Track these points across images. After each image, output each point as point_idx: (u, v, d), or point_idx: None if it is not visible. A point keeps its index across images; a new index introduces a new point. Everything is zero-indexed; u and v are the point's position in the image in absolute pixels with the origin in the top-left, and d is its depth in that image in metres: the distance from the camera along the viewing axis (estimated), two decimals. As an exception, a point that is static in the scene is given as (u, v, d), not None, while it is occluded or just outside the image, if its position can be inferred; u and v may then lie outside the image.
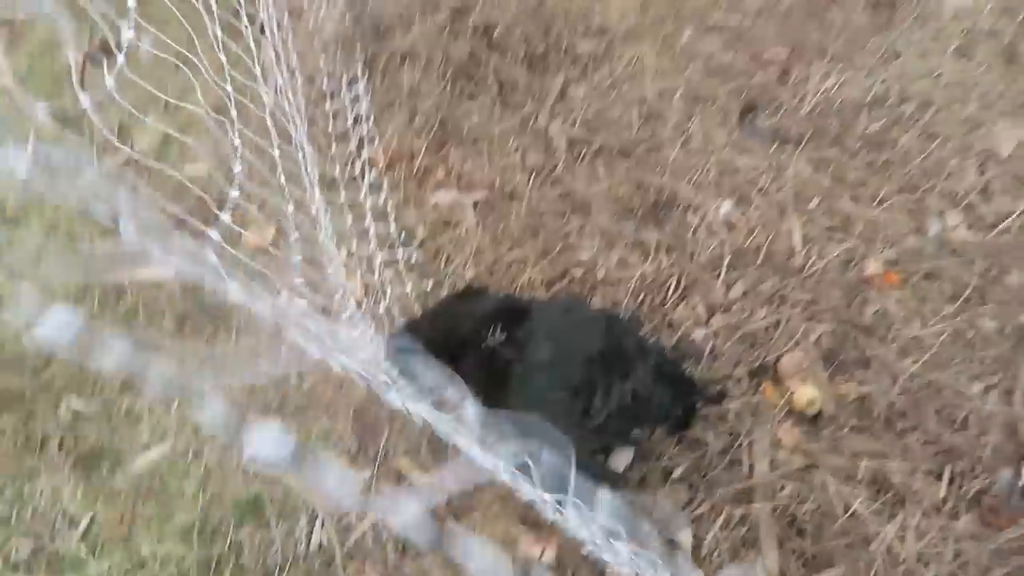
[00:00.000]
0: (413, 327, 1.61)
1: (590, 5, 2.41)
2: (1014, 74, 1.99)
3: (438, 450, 1.59)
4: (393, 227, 1.98)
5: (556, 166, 1.98)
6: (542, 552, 1.42)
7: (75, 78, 2.51)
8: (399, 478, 1.56)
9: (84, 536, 1.49)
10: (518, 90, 2.20)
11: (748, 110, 2.03)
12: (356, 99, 2.26)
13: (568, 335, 1.44)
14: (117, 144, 2.27)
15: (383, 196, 2.06)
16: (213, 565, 1.43)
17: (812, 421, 1.53)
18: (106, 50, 2.61)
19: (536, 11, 2.41)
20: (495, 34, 2.34)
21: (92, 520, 1.52)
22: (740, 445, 1.51)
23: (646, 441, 1.51)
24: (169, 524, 1.50)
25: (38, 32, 2.71)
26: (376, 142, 2.16)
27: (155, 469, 1.61)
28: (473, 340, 1.49)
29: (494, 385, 1.44)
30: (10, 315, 1.92)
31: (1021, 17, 2.12)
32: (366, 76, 2.31)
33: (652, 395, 1.40)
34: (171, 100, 2.42)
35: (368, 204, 2.05)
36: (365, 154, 2.16)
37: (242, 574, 1.42)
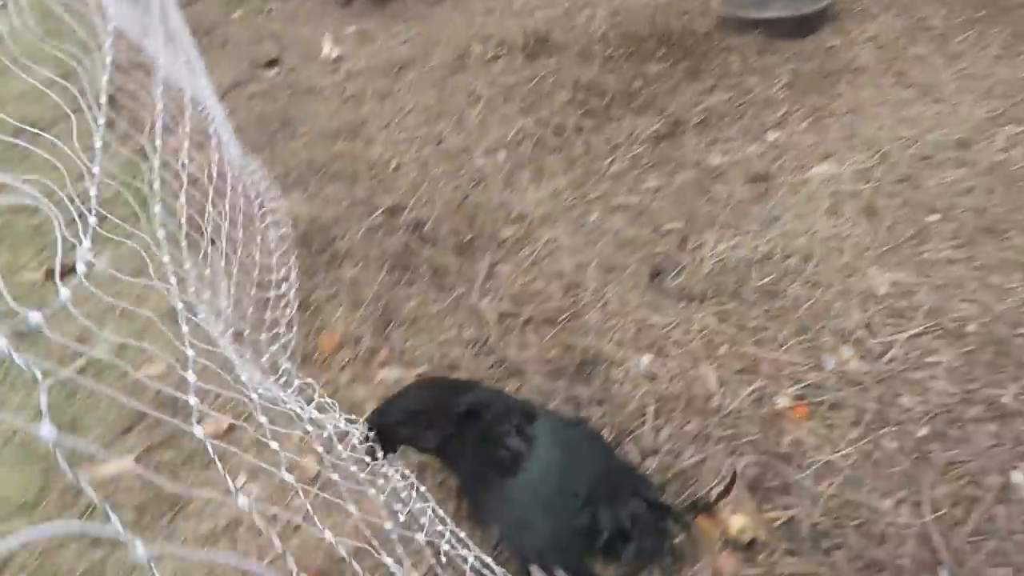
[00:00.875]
0: (384, 411, 1.64)
1: (507, 198, 2.72)
2: (875, 225, 2.31)
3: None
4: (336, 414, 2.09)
5: (489, 338, 2.17)
6: None
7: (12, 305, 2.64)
8: None
9: None
10: (450, 274, 2.43)
11: (656, 274, 2.28)
12: (287, 299, 2.45)
13: (578, 447, 1.52)
14: (77, 349, 2.37)
15: (326, 379, 2.19)
16: None
17: (747, 548, 1.63)
18: (64, 268, 2.79)
19: (460, 206, 2.71)
20: (425, 228, 2.61)
21: None
22: (683, 578, 1.59)
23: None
24: None
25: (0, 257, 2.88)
26: (323, 329, 2.32)
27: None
28: (458, 420, 1.55)
29: (493, 473, 1.49)
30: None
31: (875, 178, 2.48)
32: (300, 272, 2.51)
33: (648, 521, 1.47)
34: (128, 307, 2.60)
35: (317, 387, 2.18)
36: (294, 343, 2.31)
37: None
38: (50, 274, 2.76)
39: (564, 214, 2.59)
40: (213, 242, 2.57)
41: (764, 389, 1.93)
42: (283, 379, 2.05)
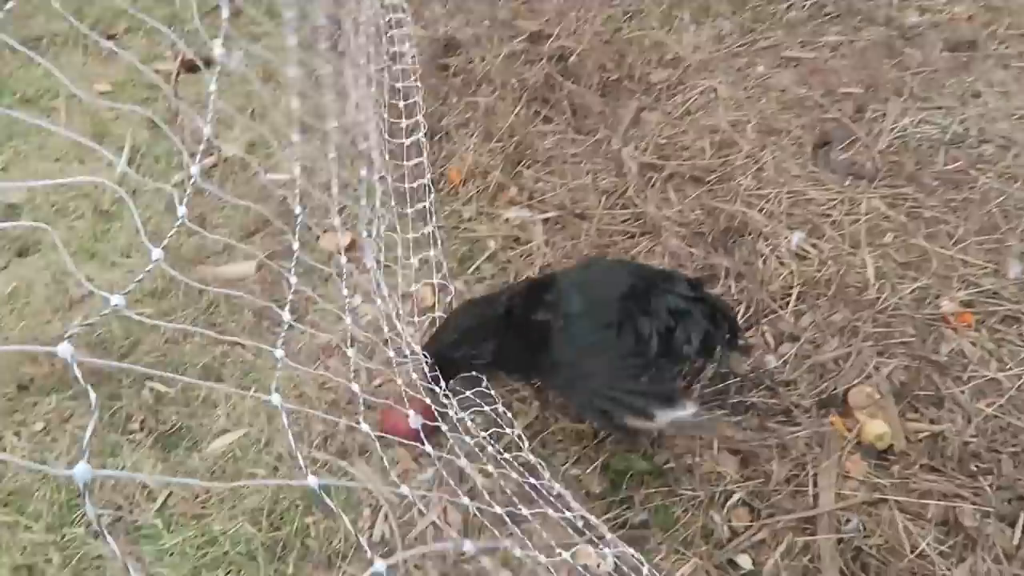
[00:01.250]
0: (439, 338, 1.67)
1: (663, 38, 2.46)
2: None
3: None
4: (437, 250, 2.02)
5: (627, 189, 2.01)
6: (599, 564, 1.42)
7: (170, 86, 2.64)
8: (461, 476, 1.58)
9: (160, 510, 1.53)
10: (592, 115, 2.24)
11: (822, 144, 2.03)
12: (416, 120, 2.33)
13: (596, 283, 1.49)
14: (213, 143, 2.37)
15: (454, 209, 2.11)
16: (280, 548, 1.46)
17: (881, 456, 1.50)
18: (198, 64, 2.74)
19: (610, 41, 2.46)
20: (570, 61, 2.40)
21: (168, 496, 1.57)
22: (806, 474, 1.50)
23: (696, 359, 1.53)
24: (240, 505, 1.53)
25: (136, 45, 2.86)
26: (452, 158, 2.22)
27: (229, 453, 1.66)
28: (503, 322, 1.55)
29: (537, 353, 1.48)
30: (100, 301, 2.00)
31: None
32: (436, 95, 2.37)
33: (691, 309, 1.42)
34: (257, 109, 2.53)
35: (437, 217, 2.10)
36: (427, 169, 2.22)
37: (307, 558, 1.44)
38: (185, 64, 2.72)
39: (726, 62, 2.32)
40: (341, 53, 2.45)
41: (929, 289, 1.73)
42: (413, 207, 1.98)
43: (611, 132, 2.17)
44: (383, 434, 1.57)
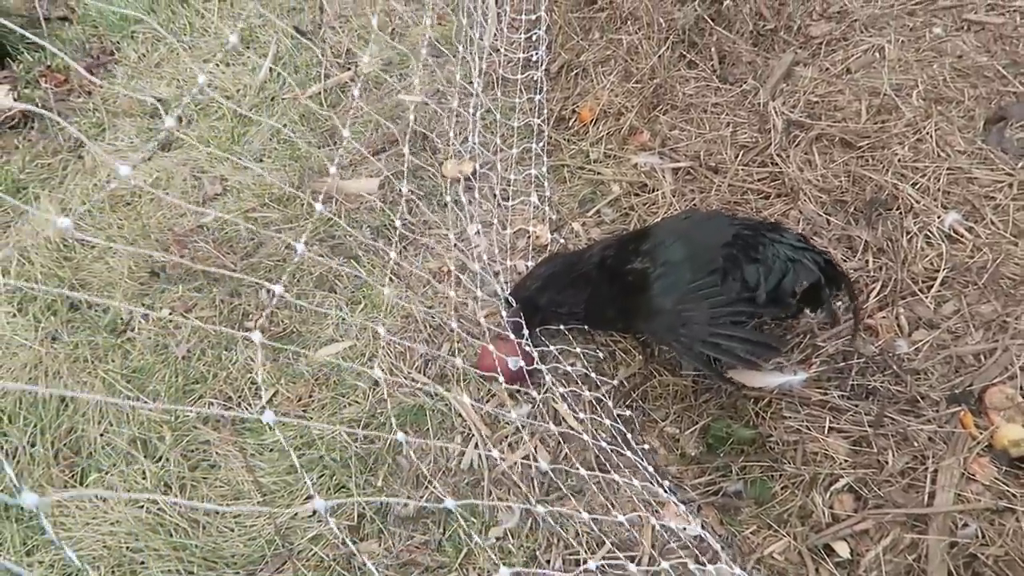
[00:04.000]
0: (524, 284, 1.66)
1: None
2: None
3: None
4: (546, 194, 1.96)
5: (768, 146, 1.89)
6: (683, 529, 1.37)
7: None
8: (556, 418, 1.56)
9: (266, 407, 1.59)
10: (740, 64, 2.11)
11: (997, 119, 1.83)
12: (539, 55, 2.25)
13: (698, 232, 1.45)
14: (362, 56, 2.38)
15: (582, 151, 2.04)
16: (372, 460, 1.49)
17: (1014, 463, 1.37)
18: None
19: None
20: (724, 4, 2.25)
21: (275, 394, 1.63)
22: (924, 469, 1.38)
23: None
24: (339, 414, 1.58)
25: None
26: (586, 96, 2.14)
27: (334, 362, 1.70)
28: (596, 272, 1.53)
29: (634, 300, 1.44)
30: (232, 201, 2.08)
31: None
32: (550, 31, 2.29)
33: (801, 258, 1.36)
34: (396, 30, 2.51)
35: (564, 155, 2.05)
36: (543, 107, 2.15)
37: (396, 474, 1.47)
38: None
39: (898, 20, 2.11)
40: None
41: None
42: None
43: (759, 84, 2.03)
44: (483, 371, 1.57)
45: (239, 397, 1.67)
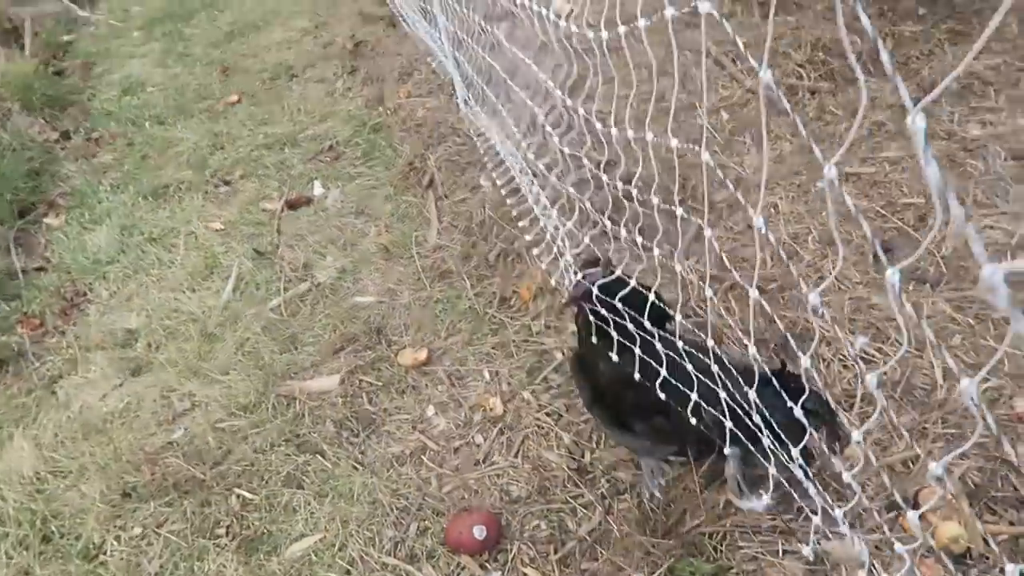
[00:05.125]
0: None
1: (724, 161, 2.58)
2: None
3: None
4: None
5: (688, 300, 2.08)
6: None
7: (274, 223, 2.92)
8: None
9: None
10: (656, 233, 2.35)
11: (885, 251, 2.05)
12: None
13: None
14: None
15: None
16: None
17: (958, 560, 1.43)
18: (299, 201, 3.05)
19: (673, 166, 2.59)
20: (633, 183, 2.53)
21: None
22: (878, 579, 1.44)
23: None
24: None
25: (248, 188, 3.21)
26: (523, 277, 2.34)
27: (306, 557, 1.74)
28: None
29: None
30: (201, 415, 2.18)
31: None
32: None
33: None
34: (348, 240, 2.77)
35: (508, 331, 2.20)
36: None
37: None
38: (289, 203, 3.03)
39: (787, 179, 2.40)
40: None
41: (1002, 389, 1.68)
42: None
43: (673, 248, 2.26)
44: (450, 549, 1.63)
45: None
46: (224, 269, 2.74)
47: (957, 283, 1.92)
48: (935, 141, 2.40)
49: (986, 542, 1.43)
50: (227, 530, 1.88)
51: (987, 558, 1.42)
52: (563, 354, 2.09)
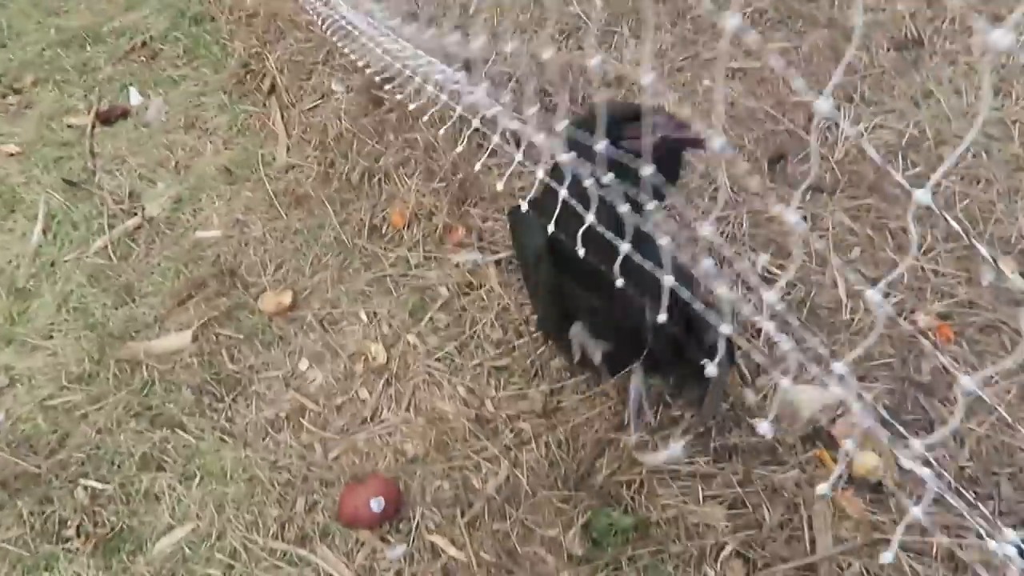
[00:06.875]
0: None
1: (604, 56, 2.37)
2: (1055, 111, 1.93)
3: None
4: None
5: (582, 221, 1.91)
6: None
7: (85, 142, 2.46)
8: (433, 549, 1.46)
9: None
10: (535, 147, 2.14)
11: (777, 158, 1.96)
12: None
13: None
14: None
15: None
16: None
17: (876, 489, 1.42)
18: (114, 114, 2.57)
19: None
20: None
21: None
22: (800, 517, 1.41)
23: None
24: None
25: (45, 99, 2.67)
26: (393, 200, 2.09)
27: (178, 552, 1.52)
28: None
29: None
30: (24, 392, 1.83)
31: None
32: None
33: None
34: (182, 161, 2.35)
35: (382, 265, 1.98)
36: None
37: None
38: (101, 116, 2.54)
39: (670, 77, 2.24)
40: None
41: (903, 304, 1.66)
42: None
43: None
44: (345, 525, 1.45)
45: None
46: (28, 206, 2.28)
47: (853, 190, 1.86)
48: (817, 30, 2.30)
49: (901, 470, 1.43)
50: (77, 530, 1.60)
51: (904, 487, 1.41)
52: (448, 289, 1.89)
